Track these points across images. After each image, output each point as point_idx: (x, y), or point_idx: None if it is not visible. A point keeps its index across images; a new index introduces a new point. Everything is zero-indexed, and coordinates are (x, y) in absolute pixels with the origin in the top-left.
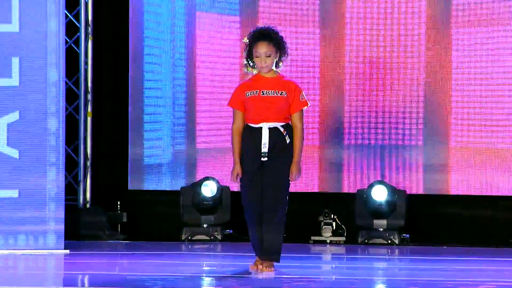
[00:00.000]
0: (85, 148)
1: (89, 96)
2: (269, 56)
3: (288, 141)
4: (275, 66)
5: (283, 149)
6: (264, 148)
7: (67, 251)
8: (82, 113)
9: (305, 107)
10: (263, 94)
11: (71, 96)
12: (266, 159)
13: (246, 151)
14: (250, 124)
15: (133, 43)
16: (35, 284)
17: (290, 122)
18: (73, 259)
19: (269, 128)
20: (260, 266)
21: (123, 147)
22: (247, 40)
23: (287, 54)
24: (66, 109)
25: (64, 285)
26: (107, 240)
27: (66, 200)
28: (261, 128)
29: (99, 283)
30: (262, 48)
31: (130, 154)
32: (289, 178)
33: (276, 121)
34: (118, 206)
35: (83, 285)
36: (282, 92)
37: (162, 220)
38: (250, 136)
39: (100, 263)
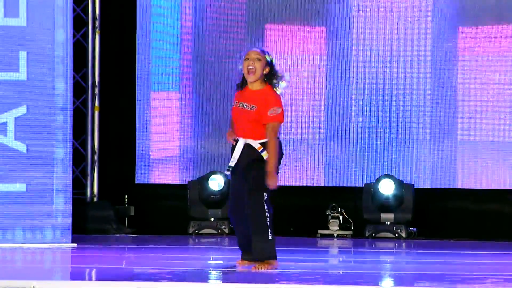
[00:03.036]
0: (93, 142)
1: (97, 90)
2: (259, 60)
3: (266, 156)
4: (268, 80)
5: (257, 162)
6: (231, 162)
7: (75, 245)
8: (90, 107)
9: (273, 123)
10: (240, 106)
11: (78, 90)
12: (228, 173)
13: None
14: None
15: (141, 37)
16: (43, 278)
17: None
18: (81, 252)
19: (244, 144)
20: (254, 268)
21: (131, 141)
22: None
23: (282, 78)
24: (74, 103)
25: (71, 279)
26: (115, 233)
27: (73, 194)
28: (237, 141)
29: (106, 277)
30: (252, 53)
31: (137, 148)
32: (266, 186)
33: (251, 137)
34: (126, 200)
35: (90, 278)
36: (252, 106)
37: (169, 214)
38: (232, 150)
39: (107, 257)
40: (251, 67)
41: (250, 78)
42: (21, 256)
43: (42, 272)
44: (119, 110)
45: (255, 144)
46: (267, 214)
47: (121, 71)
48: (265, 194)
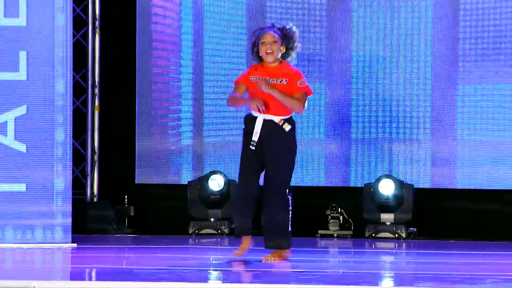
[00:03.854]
0: (93, 142)
1: (97, 90)
2: (275, 42)
3: (288, 128)
4: (282, 57)
5: (280, 136)
6: (254, 137)
7: (74, 245)
8: (90, 107)
9: (303, 93)
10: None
11: (78, 90)
12: (253, 148)
13: (245, 139)
14: (252, 113)
15: (141, 37)
16: (42, 278)
17: (291, 115)
18: (81, 253)
19: (264, 119)
20: (269, 258)
21: (131, 141)
22: (254, 38)
23: (296, 45)
24: (74, 103)
25: (71, 279)
26: (115, 234)
27: (73, 194)
28: (255, 119)
29: (106, 277)
30: (268, 36)
31: (137, 148)
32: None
33: (275, 113)
34: (126, 200)
35: (90, 278)
36: (282, 80)
37: (169, 214)
38: (248, 124)
39: (107, 257)
40: (269, 50)
41: (269, 59)
42: (21, 256)
43: (42, 272)
44: (119, 110)
45: (276, 118)
46: (290, 208)
47: (121, 71)
48: (287, 189)
